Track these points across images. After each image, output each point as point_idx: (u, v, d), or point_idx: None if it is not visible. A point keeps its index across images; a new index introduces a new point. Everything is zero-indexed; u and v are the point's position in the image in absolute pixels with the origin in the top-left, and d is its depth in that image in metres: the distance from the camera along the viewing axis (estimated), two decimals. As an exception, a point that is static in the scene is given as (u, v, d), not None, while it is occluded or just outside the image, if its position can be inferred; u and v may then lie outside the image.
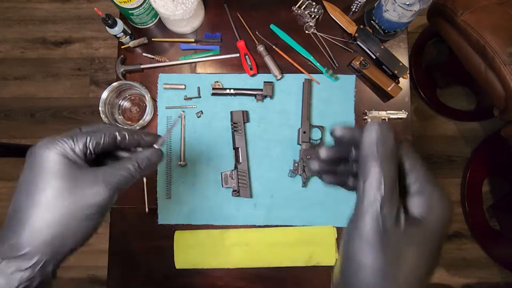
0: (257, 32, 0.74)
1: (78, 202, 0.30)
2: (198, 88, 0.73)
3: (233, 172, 0.69)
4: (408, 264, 0.23)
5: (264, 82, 0.71)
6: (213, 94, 0.72)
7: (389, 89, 0.70)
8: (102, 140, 0.34)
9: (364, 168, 0.24)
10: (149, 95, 0.70)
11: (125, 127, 0.70)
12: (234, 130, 0.70)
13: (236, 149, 0.70)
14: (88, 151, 0.33)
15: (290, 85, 0.73)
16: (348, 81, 0.73)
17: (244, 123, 0.71)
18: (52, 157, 0.31)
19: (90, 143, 0.33)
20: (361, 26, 0.71)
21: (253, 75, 0.73)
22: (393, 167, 0.24)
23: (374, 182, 0.23)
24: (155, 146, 0.37)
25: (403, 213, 0.24)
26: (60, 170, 0.30)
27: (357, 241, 0.24)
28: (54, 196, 0.29)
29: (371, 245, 0.23)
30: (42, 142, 0.32)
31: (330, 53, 0.73)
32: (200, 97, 0.73)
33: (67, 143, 0.32)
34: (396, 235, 0.23)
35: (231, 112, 0.70)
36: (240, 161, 0.69)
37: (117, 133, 0.35)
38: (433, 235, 0.24)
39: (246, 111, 0.71)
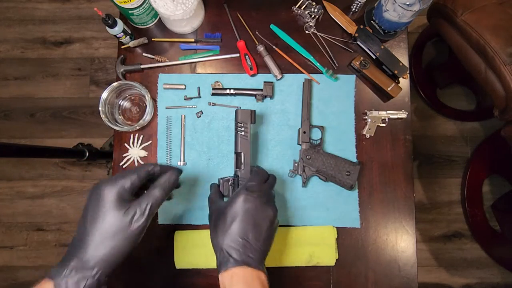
0: (257, 32, 0.74)
1: (125, 228, 0.43)
2: (198, 88, 0.73)
3: (235, 180, 0.60)
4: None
5: (264, 82, 0.71)
6: (213, 94, 0.72)
7: (389, 89, 0.70)
8: (140, 176, 0.47)
9: None
10: (149, 95, 0.70)
11: (125, 127, 0.70)
12: (239, 132, 0.60)
13: (238, 154, 0.60)
14: (133, 187, 0.46)
15: (290, 85, 0.73)
16: (348, 81, 0.73)
17: (251, 123, 0.61)
18: (111, 195, 0.43)
19: (134, 181, 0.46)
20: (361, 26, 0.71)
21: (253, 75, 0.73)
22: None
23: None
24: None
25: None
26: (116, 204, 0.42)
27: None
28: (110, 224, 0.41)
29: None
30: (105, 182, 0.44)
31: (330, 53, 0.73)
32: (200, 97, 0.73)
33: (122, 183, 0.44)
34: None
35: (236, 111, 0.61)
36: (243, 168, 0.60)
37: (148, 169, 0.49)
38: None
39: (254, 111, 0.62)
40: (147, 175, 0.48)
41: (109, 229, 0.41)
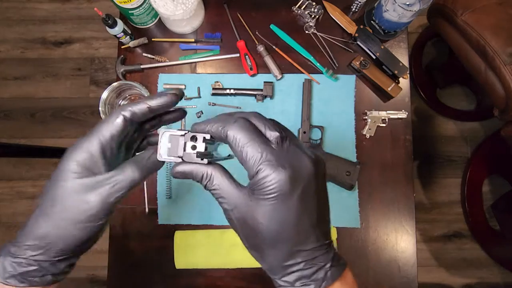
0: (257, 32, 0.74)
1: (69, 208, 0.29)
2: (198, 88, 0.73)
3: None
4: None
5: (264, 82, 0.71)
6: (213, 94, 0.72)
7: (389, 89, 0.70)
8: (116, 133, 0.31)
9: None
10: (149, 95, 0.70)
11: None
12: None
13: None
14: (106, 150, 0.31)
15: (290, 85, 0.73)
16: (348, 81, 0.73)
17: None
18: (69, 165, 0.30)
19: (105, 143, 0.31)
20: (361, 26, 0.71)
21: (253, 75, 0.73)
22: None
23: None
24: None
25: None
26: (74, 183, 0.30)
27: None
28: (51, 201, 0.30)
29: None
30: (69, 150, 0.31)
31: (330, 53, 0.73)
32: (200, 97, 0.73)
33: (86, 147, 0.30)
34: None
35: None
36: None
37: (122, 117, 0.31)
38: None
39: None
40: (125, 130, 0.32)
41: (48, 208, 0.30)
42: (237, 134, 0.28)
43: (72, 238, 0.30)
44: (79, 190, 0.29)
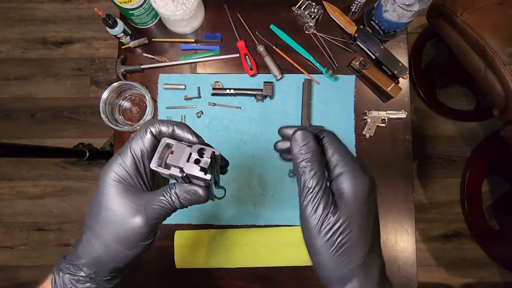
0: (257, 32, 0.75)
1: (118, 231, 0.31)
2: (198, 88, 0.73)
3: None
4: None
5: (264, 82, 0.71)
6: (213, 94, 0.72)
7: (389, 89, 0.70)
8: (144, 146, 0.32)
9: (297, 170, 0.33)
10: (149, 95, 0.70)
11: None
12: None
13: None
14: (140, 164, 0.32)
15: (290, 85, 0.73)
16: (348, 81, 0.73)
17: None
18: (109, 183, 0.32)
19: (137, 156, 0.32)
20: (361, 26, 0.72)
21: (253, 75, 0.73)
22: (317, 165, 0.32)
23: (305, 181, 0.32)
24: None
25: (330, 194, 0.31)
26: (111, 197, 0.32)
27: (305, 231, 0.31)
28: (101, 224, 0.32)
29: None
30: (105, 166, 0.33)
31: (330, 53, 0.74)
32: (200, 97, 0.73)
33: (119, 163, 0.32)
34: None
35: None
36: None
37: (152, 129, 0.32)
38: (358, 204, 0.30)
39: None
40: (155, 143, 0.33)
41: (99, 230, 0.32)
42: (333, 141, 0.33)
43: (125, 258, 0.32)
44: (125, 214, 0.31)
